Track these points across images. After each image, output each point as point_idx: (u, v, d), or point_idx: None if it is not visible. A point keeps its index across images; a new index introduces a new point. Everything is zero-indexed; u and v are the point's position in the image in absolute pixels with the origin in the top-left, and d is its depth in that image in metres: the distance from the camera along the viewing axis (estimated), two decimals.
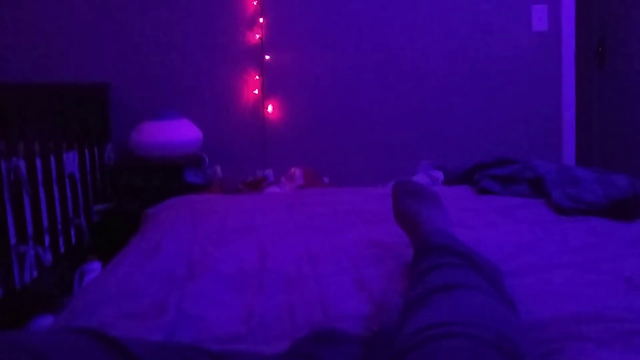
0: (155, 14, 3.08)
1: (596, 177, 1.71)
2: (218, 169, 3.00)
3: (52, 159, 2.32)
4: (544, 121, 3.27)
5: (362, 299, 1.06)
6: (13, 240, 1.96)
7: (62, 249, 2.33)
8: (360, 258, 1.27)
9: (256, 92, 3.14)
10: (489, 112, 3.24)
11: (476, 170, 2.02)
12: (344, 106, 3.20)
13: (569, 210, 1.58)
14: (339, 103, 3.20)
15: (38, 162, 2.19)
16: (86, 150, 2.68)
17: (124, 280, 1.21)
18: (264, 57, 3.12)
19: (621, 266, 1.15)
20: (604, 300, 0.98)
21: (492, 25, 3.19)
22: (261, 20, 3.10)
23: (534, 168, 1.85)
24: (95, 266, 2.23)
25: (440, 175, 2.70)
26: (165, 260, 1.30)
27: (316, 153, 3.18)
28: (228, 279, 1.18)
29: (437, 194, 1.30)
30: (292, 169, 2.94)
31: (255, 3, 3.09)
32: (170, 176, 2.76)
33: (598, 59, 3.64)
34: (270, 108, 3.16)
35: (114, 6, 3.05)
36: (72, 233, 2.46)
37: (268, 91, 3.15)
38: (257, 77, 3.13)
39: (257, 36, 3.11)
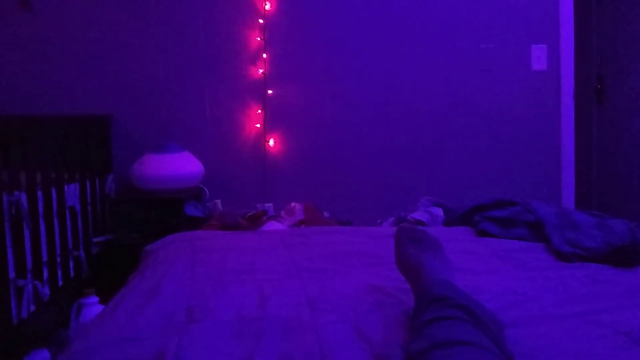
0: (159, 47, 3.11)
1: (595, 222, 1.72)
2: (218, 203, 3.01)
3: (54, 191, 2.32)
4: (543, 158, 3.29)
5: (361, 350, 1.05)
6: (12, 274, 1.96)
7: (60, 282, 2.32)
8: (360, 304, 1.27)
9: (258, 125, 3.17)
10: (489, 149, 3.27)
11: (475, 211, 2.03)
12: (345, 141, 3.22)
13: (569, 255, 1.58)
14: (340, 138, 3.22)
15: (39, 195, 2.19)
16: (87, 182, 2.69)
17: (122, 324, 1.21)
18: (267, 92, 3.15)
19: (621, 318, 1.15)
20: (603, 355, 0.98)
21: (492, 65, 3.23)
22: (265, 55, 3.14)
23: (533, 211, 1.85)
24: (92, 300, 2.22)
25: (440, 212, 2.69)
26: (164, 304, 1.30)
27: (316, 187, 3.19)
28: (227, 325, 1.17)
29: (439, 241, 1.30)
30: (292, 204, 2.94)
31: (259, 39, 3.13)
32: (170, 209, 2.76)
33: (597, 95, 3.68)
34: (271, 142, 3.18)
35: (116, 39, 3.09)
36: (71, 266, 2.45)
37: (270, 125, 3.17)
38: (259, 111, 3.16)
39: (261, 71, 3.15)
